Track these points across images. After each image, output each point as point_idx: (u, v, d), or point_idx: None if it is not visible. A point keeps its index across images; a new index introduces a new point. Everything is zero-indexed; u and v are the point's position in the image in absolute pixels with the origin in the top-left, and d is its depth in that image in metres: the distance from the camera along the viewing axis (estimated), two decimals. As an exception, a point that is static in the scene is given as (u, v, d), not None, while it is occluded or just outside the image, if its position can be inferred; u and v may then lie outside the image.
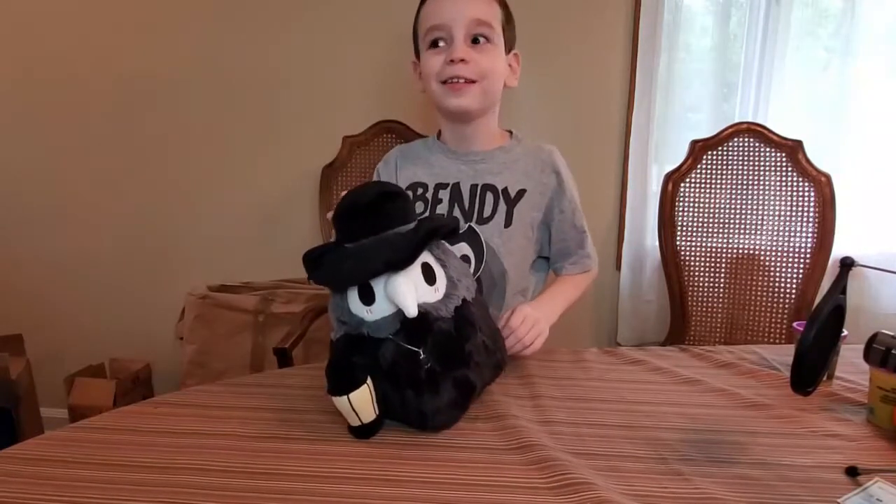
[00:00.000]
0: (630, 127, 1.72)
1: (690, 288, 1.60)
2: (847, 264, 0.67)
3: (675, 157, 1.63)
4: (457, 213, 1.03)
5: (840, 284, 0.67)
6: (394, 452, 0.66)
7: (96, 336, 1.95)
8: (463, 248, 0.96)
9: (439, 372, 0.70)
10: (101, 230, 1.90)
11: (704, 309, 1.61)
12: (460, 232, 0.95)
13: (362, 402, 0.68)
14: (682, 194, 1.59)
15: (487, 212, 1.02)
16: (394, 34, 1.68)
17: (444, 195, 1.04)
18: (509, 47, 1.05)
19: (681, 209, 1.59)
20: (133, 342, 1.95)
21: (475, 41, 0.98)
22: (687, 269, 1.60)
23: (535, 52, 1.77)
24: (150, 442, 0.67)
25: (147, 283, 1.92)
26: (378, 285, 0.71)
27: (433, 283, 0.74)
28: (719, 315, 1.60)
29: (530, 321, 0.89)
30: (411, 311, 0.68)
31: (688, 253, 1.60)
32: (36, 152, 1.87)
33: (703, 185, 1.58)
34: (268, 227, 1.85)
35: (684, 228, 1.60)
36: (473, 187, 1.03)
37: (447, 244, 0.81)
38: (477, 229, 0.98)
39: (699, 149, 1.58)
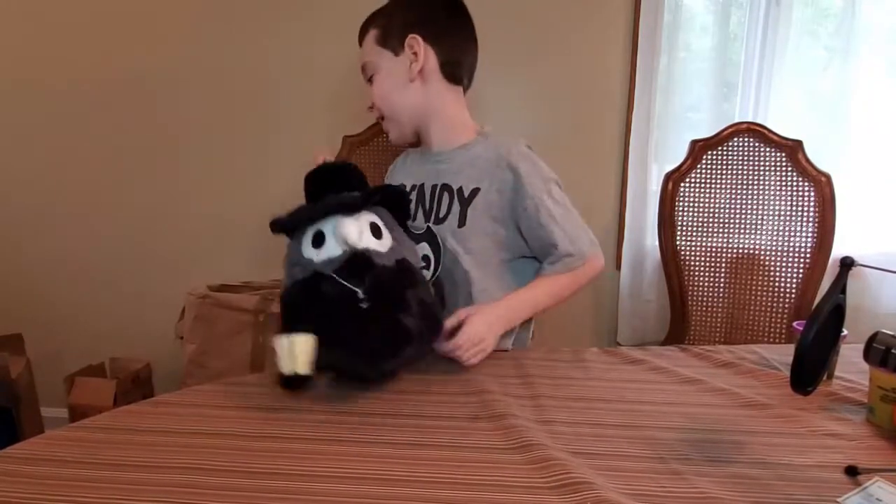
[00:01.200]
0: (630, 127, 1.72)
1: (690, 288, 1.60)
2: (847, 264, 0.67)
3: (675, 156, 1.63)
4: (420, 213, 1.05)
5: (840, 284, 0.67)
6: (393, 452, 0.66)
7: (96, 336, 1.95)
8: (424, 248, 1.01)
9: (375, 310, 0.73)
10: (101, 230, 1.90)
11: (704, 309, 1.61)
12: (419, 232, 1.02)
13: (302, 350, 0.71)
14: (681, 194, 1.59)
15: (443, 212, 1.03)
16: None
17: (414, 196, 1.07)
18: (401, 43, 1.03)
19: (681, 209, 1.59)
20: (133, 342, 1.95)
21: (370, 81, 1.07)
22: (687, 268, 1.60)
23: (534, 51, 1.78)
24: (150, 441, 0.67)
25: (147, 282, 1.92)
26: (329, 230, 0.78)
27: (379, 238, 0.80)
28: (719, 315, 1.60)
29: (476, 340, 0.88)
30: (352, 239, 0.75)
31: (688, 253, 1.60)
32: (36, 152, 1.87)
33: (702, 185, 1.58)
34: (268, 226, 1.85)
35: (684, 228, 1.60)
36: (433, 188, 1.05)
37: (402, 231, 0.87)
38: (434, 230, 1.01)
39: (699, 148, 1.58)
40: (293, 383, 0.73)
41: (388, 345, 0.74)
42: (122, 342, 1.95)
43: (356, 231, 0.76)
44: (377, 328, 0.73)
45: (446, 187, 1.03)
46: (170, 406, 0.77)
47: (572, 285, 1.03)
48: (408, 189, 1.08)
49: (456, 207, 1.02)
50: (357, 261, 0.75)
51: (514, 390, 0.83)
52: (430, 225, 1.02)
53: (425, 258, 1.01)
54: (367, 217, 0.81)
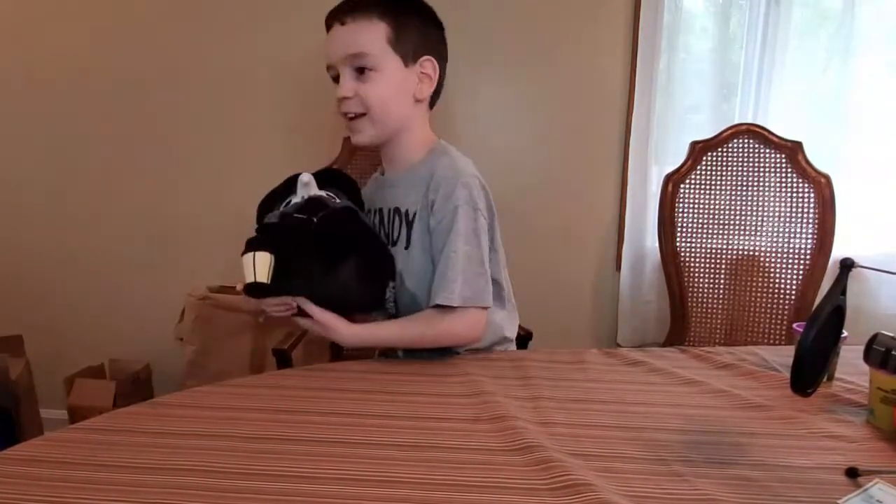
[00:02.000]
0: (630, 128, 1.72)
1: (690, 289, 1.61)
2: (847, 265, 0.67)
3: (675, 158, 1.63)
4: (382, 236, 1.06)
5: (840, 285, 0.67)
6: (392, 454, 0.66)
7: (96, 336, 1.95)
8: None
9: (324, 229, 0.88)
10: (101, 231, 1.90)
11: (704, 310, 1.61)
12: (384, 251, 1.03)
13: (261, 264, 0.86)
14: (681, 195, 1.59)
15: (395, 235, 1.03)
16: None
17: (376, 220, 1.08)
18: (414, 57, 0.99)
19: (681, 210, 1.59)
20: (133, 343, 1.95)
21: (360, 71, 0.98)
22: (687, 270, 1.60)
23: (535, 53, 1.78)
24: (150, 443, 0.67)
25: (147, 283, 1.92)
26: (294, 195, 0.94)
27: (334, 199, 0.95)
28: (719, 316, 1.60)
29: (325, 318, 0.92)
30: (304, 179, 0.92)
31: (688, 254, 1.60)
32: (36, 153, 1.87)
33: (702, 187, 1.59)
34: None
35: (684, 229, 1.60)
36: (389, 211, 1.05)
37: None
38: (391, 252, 1.02)
39: (699, 150, 1.58)
40: (255, 290, 0.87)
41: (333, 252, 0.89)
42: (122, 343, 1.95)
43: (309, 176, 0.92)
44: (324, 239, 0.89)
45: (397, 211, 1.04)
46: (169, 407, 0.76)
47: (421, 341, 0.97)
48: (372, 214, 1.09)
49: (404, 230, 1.02)
50: (313, 201, 0.91)
51: (514, 391, 0.83)
52: (390, 248, 1.03)
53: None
54: (325, 191, 0.95)
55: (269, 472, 0.61)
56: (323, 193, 0.94)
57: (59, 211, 1.90)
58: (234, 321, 1.68)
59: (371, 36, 0.96)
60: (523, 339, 1.26)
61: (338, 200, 0.95)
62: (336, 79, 1.01)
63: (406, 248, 1.01)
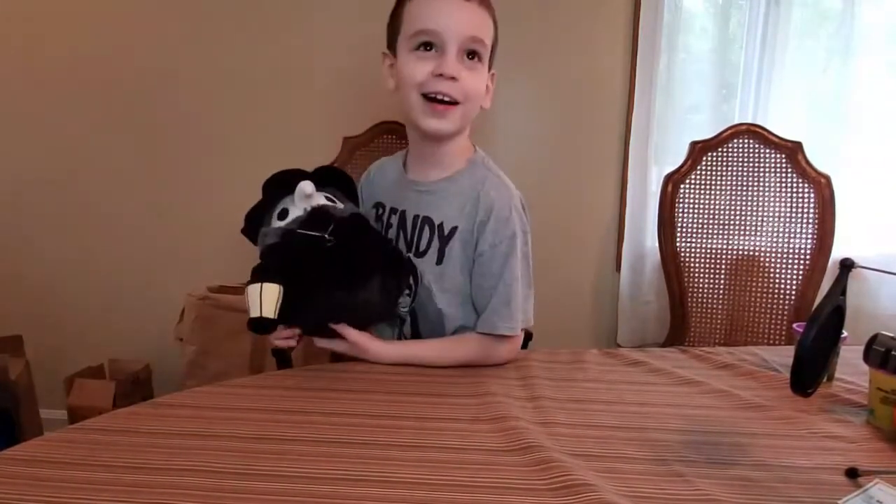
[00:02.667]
0: (630, 128, 1.72)
1: (690, 289, 1.60)
2: (847, 266, 0.67)
3: (675, 158, 1.63)
4: (401, 241, 0.99)
5: (840, 286, 0.67)
6: (393, 454, 0.66)
7: (96, 337, 1.95)
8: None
9: (341, 245, 0.81)
10: (101, 231, 1.90)
11: (704, 310, 1.61)
12: (402, 260, 0.98)
13: (269, 296, 0.79)
14: (681, 195, 1.59)
15: (423, 245, 0.96)
16: (394, 35, 1.69)
17: (395, 220, 1.01)
18: (490, 67, 0.97)
19: (680, 210, 1.59)
20: (133, 343, 1.94)
21: (469, 56, 0.89)
22: (687, 270, 1.60)
23: (534, 52, 1.78)
24: (150, 443, 0.67)
25: (147, 283, 1.92)
26: (290, 203, 0.88)
27: (334, 203, 0.90)
28: (719, 316, 1.60)
29: (355, 337, 0.89)
30: (309, 190, 0.85)
31: (687, 254, 1.60)
32: (36, 154, 1.87)
33: (702, 187, 1.59)
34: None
35: (684, 229, 1.60)
36: (415, 218, 0.98)
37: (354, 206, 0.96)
38: (414, 261, 0.97)
39: (699, 150, 1.58)
40: (260, 326, 0.80)
41: (357, 271, 0.82)
42: (122, 344, 1.95)
43: (311, 187, 0.86)
44: (345, 258, 0.82)
45: (427, 220, 0.97)
46: (170, 407, 0.76)
47: (464, 363, 0.93)
48: (386, 211, 1.02)
49: (436, 243, 0.95)
50: (317, 213, 0.84)
51: (515, 392, 0.83)
52: (412, 256, 0.98)
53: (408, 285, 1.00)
54: (322, 194, 0.90)
55: (270, 473, 0.61)
56: (324, 200, 0.88)
57: (59, 211, 1.90)
58: (234, 321, 1.68)
59: (487, 28, 0.92)
60: (523, 339, 1.26)
61: (339, 205, 0.89)
62: (421, 46, 0.89)
63: (438, 262, 0.95)
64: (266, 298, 0.78)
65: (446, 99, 0.89)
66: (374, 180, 1.09)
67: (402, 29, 0.92)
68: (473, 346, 0.93)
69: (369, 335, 0.92)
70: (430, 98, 0.89)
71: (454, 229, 0.94)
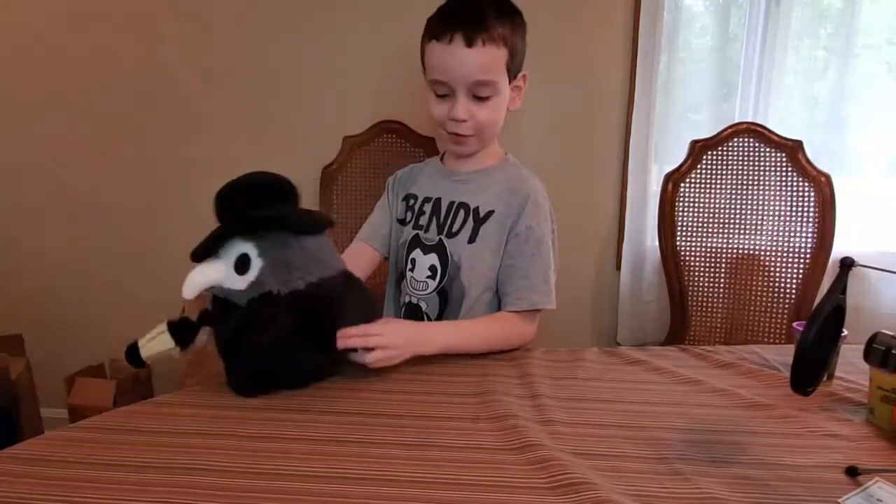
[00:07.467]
0: (630, 127, 1.72)
1: (690, 288, 1.61)
2: (847, 264, 0.67)
3: (675, 157, 1.63)
4: (433, 225, 1.07)
5: (840, 284, 0.67)
6: (393, 452, 0.66)
7: (96, 336, 1.95)
8: (432, 259, 1.05)
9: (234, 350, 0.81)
10: (101, 230, 1.90)
11: (704, 309, 1.61)
12: (430, 244, 1.06)
13: (159, 346, 0.86)
14: (681, 194, 1.59)
15: (456, 227, 1.05)
16: (394, 34, 1.68)
17: (428, 208, 1.09)
18: (516, 74, 1.03)
19: (681, 209, 1.59)
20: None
21: (478, 95, 0.99)
22: (687, 269, 1.60)
23: (534, 52, 1.77)
24: (150, 442, 0.67)
25: (147, 283, 1.92)
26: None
27: (244, 272, 0.81)
28: (719, 315, 1.60)
29: (387, 338, 0.83)
30: (185, 294, 0.84)
31: (688, 253, 1.60)
32: (36, 152, 1.87)
33: (702, 186, 1.59)
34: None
35: (684, 229, 1.60)
36: (451, 203, 1.07)
37: (308, 241, 0.84)
38: (445, 242, 1.04)
39: (699, 149, 1.58)
40: (130, 356, 0.86)
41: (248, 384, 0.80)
42: (122, 343, 1.93)
43: (192, 279, 0.84)
44: (237, 367, 0.81)
45: (463, 205, 1.06)
46: (169, 406, 0.77)
47: (498, 342, 0.97)
48: (419, 201, 1.11)
49: (470, 224, 1.04)
50: (215, 308, 0.86)
51: (515, 390, 0.83)
52: (443, 237, 1.06)
53: (432, 268, 1.06)
54: (239, 248, 0.84)
55: (270, 471, 0.62)
56: (229, 286, 0.81)
57: (59, 211, 1.90)
58: (234, 321, 1.68)
59: (497, 64, 0.98)
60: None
61: (242, 282, 0.80)
62: (440, 93, 1.00)
63: (470, 241, 1.03)
64: (156, 343, 0.86)
65: (457, 133, 1.02)
66: (403, 178, 1.18)
67: (425, 72, 1.04)
68: (509, 323, 1.00)
69: (395, 324, 0.92)
70: (450, 132, 1.03)
71: (490, 213, 1.04)
